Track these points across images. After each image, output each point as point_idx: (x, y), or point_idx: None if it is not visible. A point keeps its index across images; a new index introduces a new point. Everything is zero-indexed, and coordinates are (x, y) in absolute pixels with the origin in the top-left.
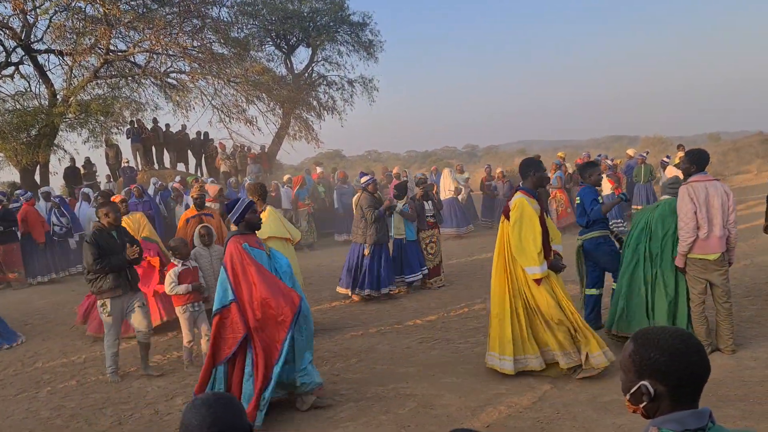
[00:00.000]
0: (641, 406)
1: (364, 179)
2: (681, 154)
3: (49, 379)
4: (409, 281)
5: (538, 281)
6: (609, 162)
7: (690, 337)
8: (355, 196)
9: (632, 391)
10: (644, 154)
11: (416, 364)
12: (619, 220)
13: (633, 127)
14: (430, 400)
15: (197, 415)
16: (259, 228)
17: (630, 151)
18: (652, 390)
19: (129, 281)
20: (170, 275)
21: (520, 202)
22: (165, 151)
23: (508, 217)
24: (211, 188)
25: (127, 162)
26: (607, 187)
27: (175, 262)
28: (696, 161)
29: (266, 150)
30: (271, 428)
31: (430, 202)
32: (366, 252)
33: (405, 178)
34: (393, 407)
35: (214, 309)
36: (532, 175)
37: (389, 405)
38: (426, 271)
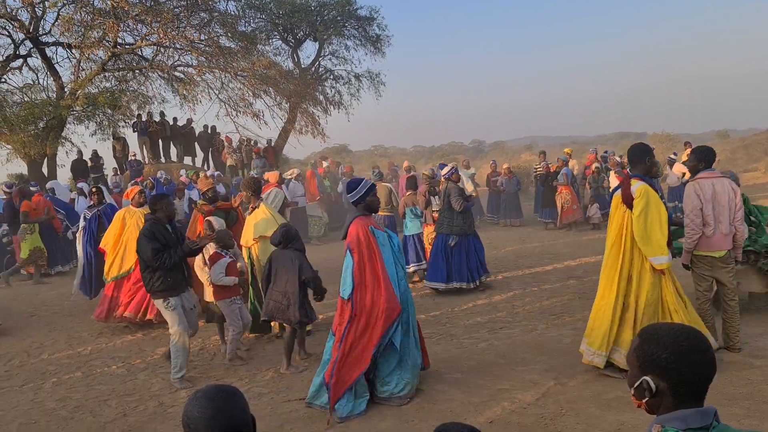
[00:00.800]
0: (644, 401)
1: (446, 170)
2: (688, 151)
3: (54, 371)
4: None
5: (662, 271)
6: (617, 159)
7: (696, 335)
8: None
9: (635, 385)
10: (606, 153)
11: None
12: None
13: (641, 123)
14: (434, 395)
15: (199, 407)
16: (377, 211)
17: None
18: (653, 386)
19: (186, 277)
20: (219, 265)
21: (644, 189)
22: (172, 144)
23: (630, 206)
24: (272, 175)
25: (134, 155)
26: (615, 183)
27: (222, 253)
28: (703, 158)
29: (272, 144)
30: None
31: (436, 197)
32: (452, 243)
33: (414, 173)
34: (397, 402)
35: (347, 293)
36: (646, 161)
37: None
38: (424, 265)
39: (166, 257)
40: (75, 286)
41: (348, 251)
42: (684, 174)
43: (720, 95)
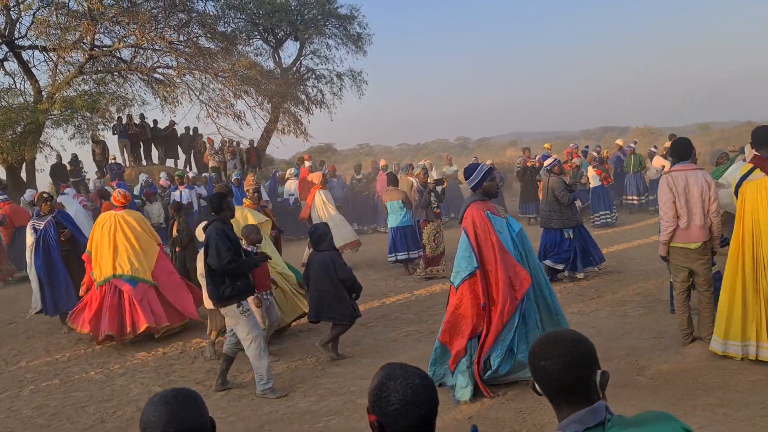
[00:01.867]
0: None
1: (548, 161)
2: (668, 143)
3: (32, 378)
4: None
5: None
6: (595, 153)
7: (546, 341)
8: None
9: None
10: (633, 145)
11: (401, 358)
12: (606, 212)
13: (623, 118)
14: None
15: (155, 411)
16: (495, 196)
17: (619, 142)
18: (538, 389)
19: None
20: None
21: None
22: (153, 147)
23: None
24: (315, 176)
25: (114, 158)
26: (594, 179)
27: (250, 248)
28: (676, 151)
29: (255, 145)
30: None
31: (432, 194)
32: (570, 236)
33: (392, 171)
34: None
35: (462, 277)
36: None
37: None
38: (416, 255)
39: (240, 263)
40: (33, 307)
41: (464, 235)
42: (663, 167)
43: (702, 89)
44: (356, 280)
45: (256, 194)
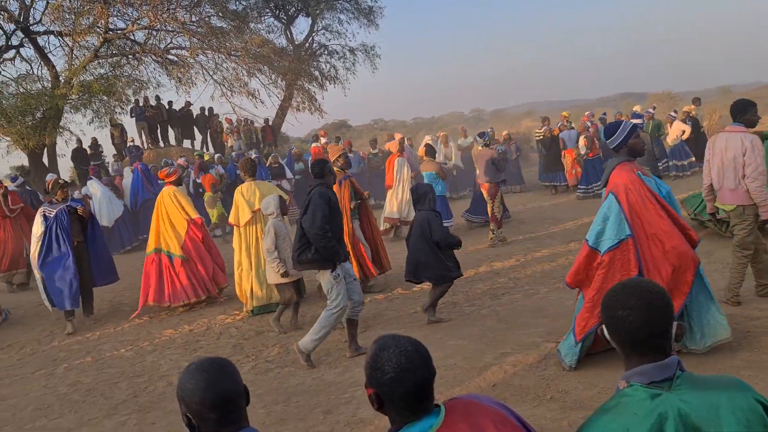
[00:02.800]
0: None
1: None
2: (688, 108)
3: (65, 357)
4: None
5: None
6: (588, 123)
7: (622, 292)
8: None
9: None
10: (651, 110)
11: (423, 329)
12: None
13: (642, 83)
14: (436, 362)
15: (192, 379)
16: (642, 155)
17: (637, 108)
18: (607, 335)
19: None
20: None
21: None
22: (169, 128)
23: None
24: (392, 145)
25: (132, 141)
26: (582, 149)
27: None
28: (731, 111)
29: (270, 123)
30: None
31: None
32: None
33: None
34: None
35: (608, 245)
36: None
37: None
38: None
39: (328, 240)
40: (51, 300)
41: (613, 199)
42: (684, 132)
43: (722, 50)
44: (451, 239)
45: (342, 162)
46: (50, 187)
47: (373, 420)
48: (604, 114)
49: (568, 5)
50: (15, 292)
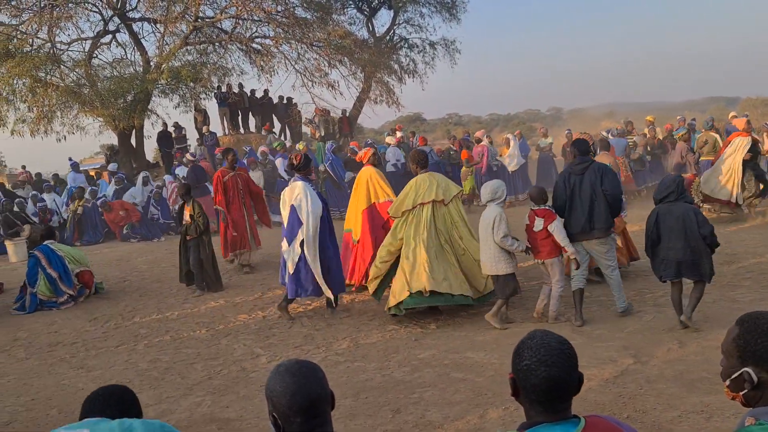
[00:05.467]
0: (741, 393)
1: None
2: None
3: (146, 334)
4: None
5: None
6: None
7: None
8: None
9: (733, 377)
10: (693, 121)
11: (493, 335)
12: None
13: (733, 87)
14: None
15: (282, 381)
16: None
17: (736, 118)
18: (755, 377)
19: None
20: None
21: None
22: (250, 115)
23: None
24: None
25: (207, 130)
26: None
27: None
28: None
29: (347, 114)
30: None
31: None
32: None
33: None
34: (470, 375)
35: None
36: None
37: (466, 371)
38: None
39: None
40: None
41: None
42: None
43: None
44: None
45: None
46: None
47: (443, 423)
48: (693, 120)
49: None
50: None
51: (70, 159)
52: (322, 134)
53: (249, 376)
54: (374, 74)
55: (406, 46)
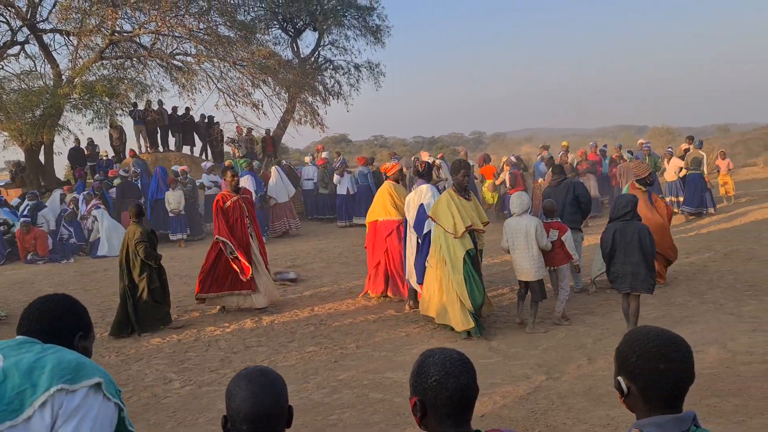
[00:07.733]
0: (621, 399)
1: None
2: (685, 145)
3: None
4: None
5: None
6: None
7: (671, 343)
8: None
9: (615, 384)
10: (649, 145)
11: (413, 355)
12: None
13: (641, 117)
14: None
15: (237, 385)
16: None
17: (641, 142)
18: (625, 387)
19: None
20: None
21: None
22: (170, 134)
23: None
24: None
25: (106, 154)
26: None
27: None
28: None
29: (271, 134)
30: None
31: None
32: None
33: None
34: (389, 395)
35: None
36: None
37: (385, 392)
38: None
39: None
40: None
41: None
42: (681, 169)
43: (723, 90)
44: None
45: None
46: (424, 168)
47: None
48: (605, 146)
49: (571, 33)
50: None
51: None
52: (244, 153)
53: (160, 402)
54: (298, 95)
55: (331, 67)
